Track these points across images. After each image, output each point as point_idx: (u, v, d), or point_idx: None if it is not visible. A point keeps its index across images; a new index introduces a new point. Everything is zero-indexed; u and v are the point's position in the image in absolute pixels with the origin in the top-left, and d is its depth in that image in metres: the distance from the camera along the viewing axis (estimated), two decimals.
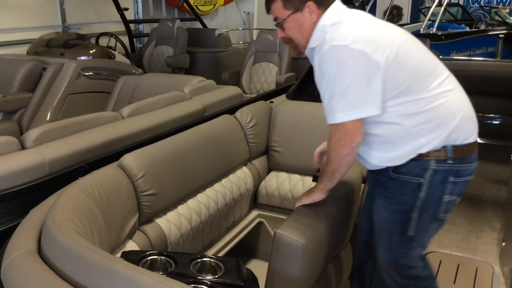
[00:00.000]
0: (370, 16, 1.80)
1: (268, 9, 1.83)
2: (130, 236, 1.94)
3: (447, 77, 1.76)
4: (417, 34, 7.26)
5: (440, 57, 5.54)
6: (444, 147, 1.71)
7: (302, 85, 3.71)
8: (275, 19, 1.82)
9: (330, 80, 1.65)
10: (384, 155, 1.78)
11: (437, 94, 1.70)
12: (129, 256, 1.60)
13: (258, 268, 1.91)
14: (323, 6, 1.75)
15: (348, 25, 1.69)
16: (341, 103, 1.64)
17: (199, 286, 1.52)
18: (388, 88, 1.66)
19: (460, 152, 1.72)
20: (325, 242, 1.91)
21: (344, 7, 1.79)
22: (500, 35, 6.96)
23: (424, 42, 5.42)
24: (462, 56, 7.10)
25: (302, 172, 2.83)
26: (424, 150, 1.71)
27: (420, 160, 1.72)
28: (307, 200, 1.95)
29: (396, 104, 1.69)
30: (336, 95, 1.64)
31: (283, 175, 2.87)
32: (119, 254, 1.63)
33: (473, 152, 1.77)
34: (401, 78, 1.67)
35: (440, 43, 6.79)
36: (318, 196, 1.91)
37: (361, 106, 1.64)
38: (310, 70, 3.80)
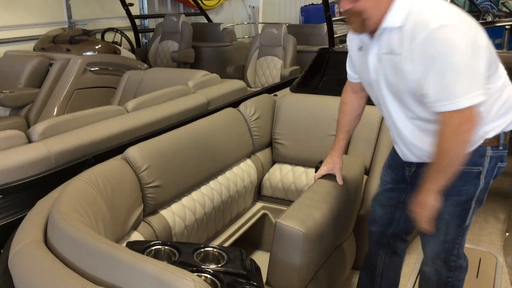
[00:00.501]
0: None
1: None
2: (135, 227, 1.98)
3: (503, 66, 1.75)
4: None
5: None
6: (499, 133, 1.72)
7: (306, 78, 3.72)
8: None
9: (445, 63, 1.50)
10: None
11: (504, 81, 1.71)
12: (134, 246, 1.63)
13: (262, 259, 1.93)
14: None
15: (439, 4, 1.55)
16: (462, 86, 1.50)
17: (202, 274, 1.55)
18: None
19: (507, 138, 1.74)
20: (326, 232, 1.93)
21: None
22: (507, 27, 6.91)
23: None
24: None
25: (306, 164, 2.85)
26: (489, 136, 1.69)
27: (478, 147, 1.71)
28: (426, 214, 1.73)
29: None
30: (453, 78, 1.50)
31: (286, 167, 2.89)
32: (124, 244, 1.66)
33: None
34: (484, 67, 1.59)
35: None
36: (433, 202, 1.69)
37: (479, 89, 1.52)
38: (314, 63, 3.82)
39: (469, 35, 1.51)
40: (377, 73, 1.74)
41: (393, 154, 2.04)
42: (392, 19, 1.59)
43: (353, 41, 1.89)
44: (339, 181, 2.10)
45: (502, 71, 1.72)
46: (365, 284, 2.28)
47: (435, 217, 1.76)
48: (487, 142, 1.71)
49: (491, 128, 1.69)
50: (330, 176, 2.16)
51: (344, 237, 2.32)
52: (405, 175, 1.96)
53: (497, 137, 1.72)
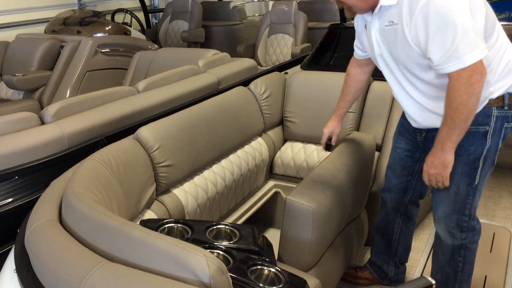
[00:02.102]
0: None
1: None
2: (148, 206, 2.01)
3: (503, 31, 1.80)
4: None
5: None
6: (503, 94, 1.76)
7: (317, 55, 3.69)
8: None
9: (447, 25, 1.55)
10: None
11: (503, 42, 1.75)
12: (147, 224, 1.65)
13: (274, 236, 1.95)
14: None
15: None
16: (467, 44, 1.55)
17: (215, 251, 1.57)
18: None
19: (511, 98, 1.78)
20: (336, 208, 1.94)
21: None
22: None
23: None
24: None
25: (317, 141, 2.83)
26: (493, 96, 1.74)
27: (484, 107, 1.76)
28: (448, 171, 1.78)
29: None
30: (457, 38, 1.55)
31: (298, 145, 2.89)
32: (138, 223, 1.69)
33: None
34: (484, 23, 1.65)
35: None
36: (452, 158, 1.76)
37: (482, 43, 1.58)
38: (325, 40, 3.78)
39: None
40: (380, 47, 1.82)
41: (403, 120, 2.10)
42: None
43: (359, 20, 1.97)
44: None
45: (501, 32, 1.76)
46: (381, 249, 2.35)
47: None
48: (492, 102, 1.75)
49: (495, 89, 1.74)
50: (340, 153, 2.17)
51: (356, 213, 2.33)
52: (417, 141, 2.02)
53: (501, 98, 1.76)
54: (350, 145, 2.32)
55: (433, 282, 1.26)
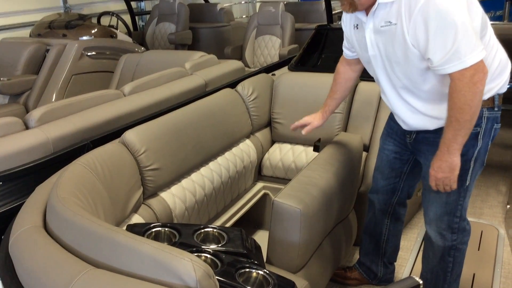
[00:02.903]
0: None
1: None
2: (135, 210, 1.99)
3: (492, 31, 1.80)
4: None
5: None
6: (493, 95, 1.77)
7: (304, 56, 3.69)
8: None
9: (447, 26, 1.54)
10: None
11: (494, 42, 1.76)
12: (134, 229, 1.64)
13: (264, 238, 1.94)
14: None
15: None
16: (467, 44, 1.54)
17: (203, 254, 1.56)
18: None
19: (501, 99, 1.81)
20: (324, 208, 1.94)
21: None
22: None
23: None
24: None
25: (305, 143, 2.84)
26: (485, 97, 1.74)
27: None
28: (456, 174, 1.76)
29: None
30: (458, 38, 1.54)
31: (286, 146, 2.89)
32: (124, 228, 1.67)
33: None
34: (479, 25, 1.66)
35: None
36: (459, 161, 1.74)
37: (481, 44, 1.58)
38: (312, 41, 3.79)
39: None
40: (374, 48, 1.79)
41: (391, 122, 2.09)
42: None
43: (347, 21, 1.94)
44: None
45: (492, 32, 1.77)
46: (369, 250, 2.36)
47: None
48: (484, 103, 1.75)
49: (487, 90, 1.72)
50: (327, 154, 2.17)
51: (344, 214, 2.33)
52: (406, 142, 2.01)
53: (491, 99, 1.77)
54: (337, 146, 2.32)
55: (421, 282, 1.26)
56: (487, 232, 2.89)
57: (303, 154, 2.82)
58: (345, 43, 2.10)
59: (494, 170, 3.65)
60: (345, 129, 2.76)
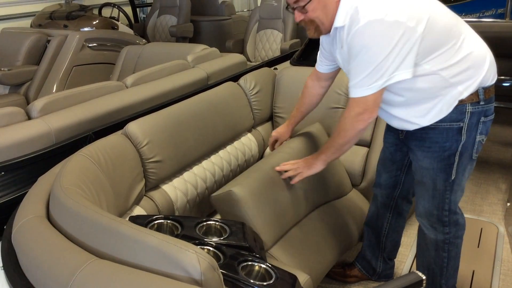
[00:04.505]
0: None
1: None
2: (137, 202, 1.99)
3: (470, 31, 1.83)
4: None
5: None
6: (476, 90, 1.78)
7: (306, 50, 3.68)
8: (296, 1, 1.76)
9: (364, 55, 1.65)
10: (430, 113, 1.80)
11: (467, 44, 1.76)
12: (136, 220, 1.64)
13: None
14: None
15: None
16: (374, 75, 1.66)
17: (205, 247, 1.56)
18: (422, 51, 1.69)
19: (488, 93, 1.81)
20: (272, 185, 2.03)
21: None
22: None
23: None
24: (471, 18, 6.97)
25: None
26: (463, 96, 1.77)
27: (457, 105, 1.79)
28: (308, 172, 2.00)
29: (432, 59, 1.72)
30: (369, 68, 1.66)
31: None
32: (127, 219, 1.67)
33: (494, 91, 1.86)
34: (434, 39, 1.70)
35: (448, 5, 6.66)
36: (320, 167, 1.98)
37: (394, 71, 1.66)
38: None
39: (396, 23, 1.61)
40: (345, 65, 1.88)
41: None
42: (338, 20, 1.73)
43: (323, 37, 2.03)
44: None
45: (466, 33, 1.78)
46: (371, 242, 2.37)
47: (423, 174, 1.91)
48: (467, 99, 1.78)
49: (464, 88, 1.76)
50: (281, 147, 2.33)
51: (331, 194, 2.38)
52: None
53: (475, 93, 1.78)
54: (295, 137, 2.42)
55: (424, 277, 1.26)
56: (486, 229, 2.89)
57: None
58: (321, 54, 2.11)
59: (494, 167, 3.66)
60: None
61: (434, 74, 1.74)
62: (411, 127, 1.87)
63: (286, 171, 2.05)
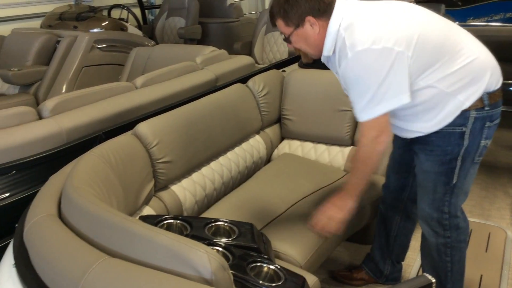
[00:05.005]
0: (382, 5, 1.79)
1: (273, 24, 1.87)
2: (146, 202, 2.00)
3: (468, 38, 1.82)
4: (432, 0, 7.08)
5: (456, 23, 5.43)
6: (480, 96, 1.77)
7: None
8: (281, 33, 1.85)
9: (360, 84, 1.69)
10: (429, 123, 1.82)
11: (464, 54, 1.76)
12: (146, 220, 1.65)
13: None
14: (325, 16, 1.75)
15: (363, 25, 1.69)
16: (374, 100, 1.68)
17: (214, 247, 1.57)
18: (416, 70, 1.71)
19: (493, 97, 1.80)
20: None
21: (349, 2, 1.77)
22: None
23: (439, 8, 5.29)
24: (479, 22, 6.94)
25: (315, 140, 2.85)
26: (466, 106, 1.76)
27: (460, 112, 1.79)
28: (342, 215, 1.87)
29: (426, 76, 1.74)
30: (367, 95, 1.68)
31: (295, 143, 2.89)
32: (136, 219, 1.68)
33: (501, 95, 1.85)
34: (426, 58, 1.71)
35: (456, 9, 6.65)
36: (351, 205, 1.87)
37: (392, 97, 1.69)
38: None
39: (384, 50, 1.64)
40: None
41: None
42: (326, 49, 1.78)
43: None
44: None
45: (464, 44, 1.77)
46: (381, 243, 2.36)
47: (425, 177, 1.91)
48: (470, 107, 1.77)
49: (465, 97, 1.76)
50: None
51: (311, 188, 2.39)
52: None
53: (480, 100, 1.77)
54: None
55: (433, 280, 1.26)
56: (494, 234, 2.88)
57: (312, 150, 2.82)
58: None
59: (502, 172, 3.64)
60: (355, 126, 2.76)
61: (430, 87, 1.75)
62: (413, 135, 1.89)
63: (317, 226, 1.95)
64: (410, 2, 1.98)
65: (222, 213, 2.14)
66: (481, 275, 2.50)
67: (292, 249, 1.91)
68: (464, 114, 1.78)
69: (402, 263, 2.44)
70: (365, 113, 1.73)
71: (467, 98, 1.76)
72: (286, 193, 2.31)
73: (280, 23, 1.81)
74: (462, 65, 1.74)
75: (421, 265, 2.16)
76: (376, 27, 1.67)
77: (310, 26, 1.76)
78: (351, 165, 1.89)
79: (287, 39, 1.84)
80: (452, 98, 1.76)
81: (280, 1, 1.78)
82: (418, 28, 1.70)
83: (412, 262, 2.60)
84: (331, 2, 1.74)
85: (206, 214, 2.17)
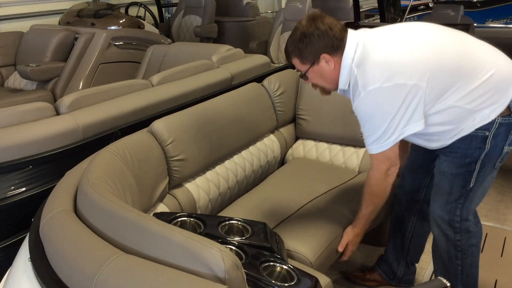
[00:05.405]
0: (393, 32, 1.81)
1: (289, 62, 1.92)
2: (161, 199, 2.01)
3: (485, 51, 1.79)
4: (451, 1, 7.02)
5: (475, 25, 5.36)
6: (508, 105, 1.76)
7: None
8: (298, 71, 1.89)
9: (372, 121, 1.74)
10: (451, 139, 1.82)
11: (482, 70, 1.73)
12: (160, 217, 1.66)
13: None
14: (339, 51, 1.78)
15: (374, 62, 1.71)
16: (386, 134, 1.73)
17: (227, 246, 1.57)
18: (432, 99, 1.71)
19: None
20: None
21: (361, 35, 1.79)
22: None
23: (458, 10, 5.22)
24: (498, 24, 6.85)
25: (329, 140, 2.83)
26: (492, 118, 1.75)
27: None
28: (357, 244, 2.09)
29: (445, 98, 1.73)
30: (379, 130, 1.73)
31: (310, 143, 2.88)
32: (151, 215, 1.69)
33: None
34: (443, 84, 1.71)
35: (475, 11, 6.57)
36: (362, 234, 2.07)
37: (404, 127, 1.73)
38: None
39: (396, 86, 1.66)
40: None
41: None
42: (342, 83, 1.82)
43: None
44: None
45: (475, 65, 1.73)
46: (395, 244, 2.35)
47: (442, 178, 1.92)
48: (497, 116, 1.75)
49: (490, 111, 1.74)
50: None
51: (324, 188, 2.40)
52: None
53: (507, 108, 1.75)
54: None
55: (448, 284, 1.25)
56: (510, 238, 2.84)
57: (327, 151, 2.81)
58: None
59: None
60: None
61: (451, 108, 1.74)
62: (436, 148, 1.89)
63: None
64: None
65: (234, 215, 2.14)
66: (496, 280, 2.47)
67: (302, 246, 1.91)
68: (491, 120, 1.76)
69: (416, 265, 2.42)
70: (377, 146, 1.77)
71: (493, 111, 1.74)
72: (298, 194, 2.32)
73: (295, 61, 1.86)
74: (482, 80, 1.72)
75: (433, 266, 2.14)
76: (387, 64, 1.69)
77: (326, 63, 1.80)
78: (362, 197, 1.98)
79: (303, 76, 1.87)
80: (476, 113, 1.74)
81: (295, 40, 1.81)
82: (432, 56, 1.70)
83: (425, 265, 2.57)
84: (343, 37, 1.78)
85: None
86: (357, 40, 1.77)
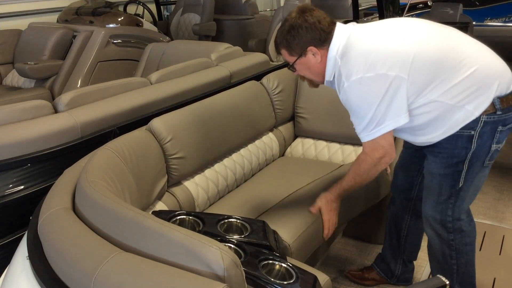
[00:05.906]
0: (380, 26, 1.84)
1: (278, 53, 1.94)
2: (159, 197, 2.01)
3: (470, 47, 1.79)
4: None
5: (474, 23, 5.36)
6: (491, 101, 1.75)
7: None
8: (286, 62, 1.92)
9: (358, 110, 1.77)
10: (436, 133, 1.82)
11: (465, 65, 1.73)
12: (159, 215, 1.65)
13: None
14: (326, 44, 1.81)
15: (357, 52, 1.74)
16: (372, 123, 1.75)
17: (226, 244, 1.57)
18: (415, 90, 1.72)
19: (506, 101, 1.77)
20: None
21: (347, 28, 1.82)
22: None
23: (457, 8, 5.22)
24: (497, 22, 6.86)
25: (328, 138, 2.83)
26: (476, 116, 1.75)
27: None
28: (335, 215, 2.07)
29: (428, 92, 1.74)
30: (365, 119, 1.75)
31: (309, 141, 2.88)
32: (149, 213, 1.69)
33: None
34: (424, 77, 1.72)
35: (473, 9, 6.57)
36: (338, 205, 2.07)
37: (390, 119, 1.74)
38: None
39: (378, 77, 1.69)
40: None
41: None
42: (328, 75, 1.85)
43: None
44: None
45: (459, 59, 1.74)
46: (391, 243, 2.35)
47: (431, 178, 1.91)
48: (483, 112, 1.75)
49: (474, 107, 1.74)
50: None
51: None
52: None
53: (491, 105, 1.75)
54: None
55: (447, 282, 1.25)
56: (509, 236, 2.85)
57: (326, 149, 2.81)
58: None
59: None
60: None
61: (433, 102, 1.74)
62: (423, 144, 1.89)
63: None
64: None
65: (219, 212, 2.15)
66: (494, 278, 2.48)
67: (280, 230, 1.89)
68: (476, 119, 1.76)
69: (414, 263, 2.42)
70: (365, 134, 1.80)
71: (477, 108, 1.74)
72: (281, 187, 2.34)
73: (284, 52, 1.89)
74: (465, 76, 1.72)
75: (430, 265, 2.14)
76: (369, 54, 1.71)
77: (312, 55, 1.84)
78: (349, 171, 1.98)
79: (291, 67, 1.90)
80: (459, 109, 1.74)
81: (283, 31, 1.84)
82: (414, 49, 1.71)
83: (424, 263, 2.57)
84: (331, 30, 1.81)
85: None
86: (343, 33, 1.80)
